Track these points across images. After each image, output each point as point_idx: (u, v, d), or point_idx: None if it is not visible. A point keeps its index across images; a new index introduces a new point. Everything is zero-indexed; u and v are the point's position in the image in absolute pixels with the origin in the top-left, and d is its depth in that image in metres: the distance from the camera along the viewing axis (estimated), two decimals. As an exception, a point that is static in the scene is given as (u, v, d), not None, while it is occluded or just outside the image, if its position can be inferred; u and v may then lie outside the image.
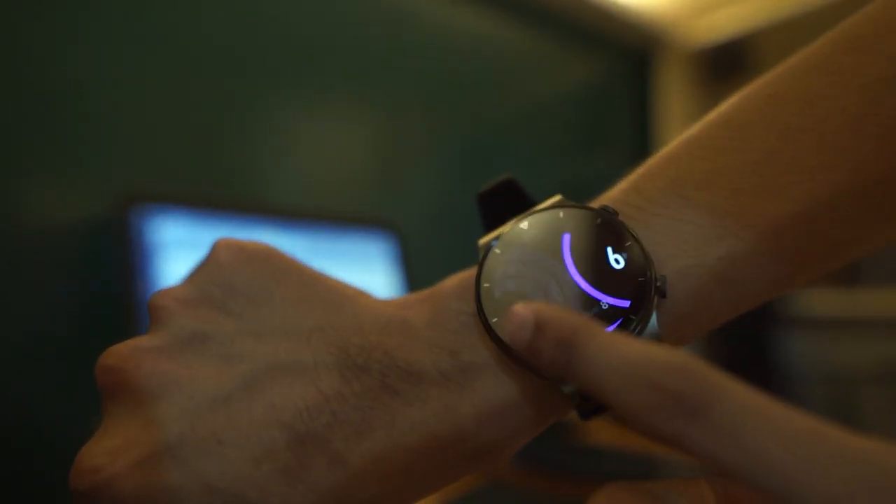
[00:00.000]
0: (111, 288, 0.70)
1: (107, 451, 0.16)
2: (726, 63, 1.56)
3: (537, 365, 0.16)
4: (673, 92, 1.55)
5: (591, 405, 0.18)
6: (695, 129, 0.20)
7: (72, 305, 0.70)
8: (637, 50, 1.56)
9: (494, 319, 0.18)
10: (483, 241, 0.21)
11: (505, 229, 0.20)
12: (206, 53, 0.83)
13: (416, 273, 0.89)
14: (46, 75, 0.69)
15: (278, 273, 0.19)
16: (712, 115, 0.20)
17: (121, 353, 0.18)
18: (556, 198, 0.21)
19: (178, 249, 0.63)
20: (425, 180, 1.09)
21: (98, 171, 0.73)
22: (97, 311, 0.71)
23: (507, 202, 0.21)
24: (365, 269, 0.81)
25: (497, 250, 0.19)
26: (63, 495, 0.74)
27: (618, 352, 0.13)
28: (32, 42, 0.68)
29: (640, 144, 1.58)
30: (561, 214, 0.19)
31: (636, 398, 0.13)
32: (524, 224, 0.20)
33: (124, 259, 0.60)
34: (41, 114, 0.69)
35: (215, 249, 0.20)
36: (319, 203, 0.94)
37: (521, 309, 0.15)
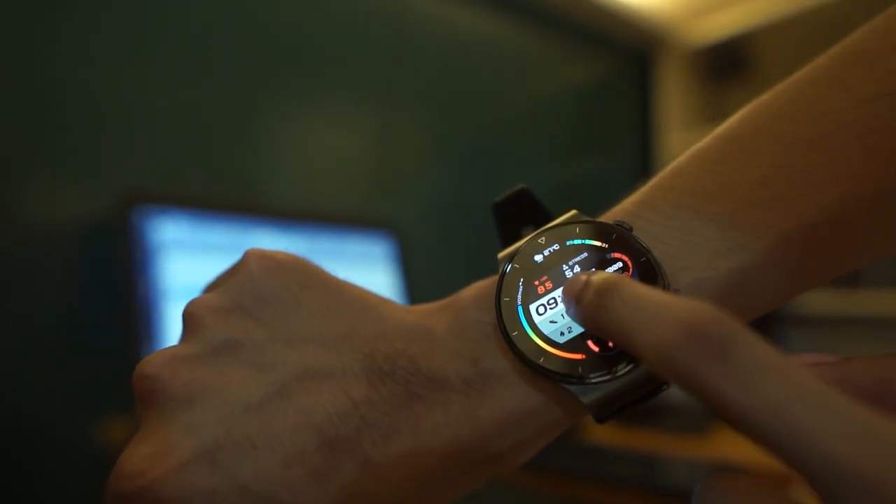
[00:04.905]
0: (111, 288, 0.70)
1: (148, 456, 0.17)
2: (726, 63, 1.56)
3: (577, 314, 0.17)
4: (673, 92, 1.55)
5: (607, 410, 0.18)
6: (704, 142, 0.21)
7: (72, 305, 0.70)
8: (637, 50, 1.56)
9: (515, 333, 0.18)
10: (502, 255, 0.21)
11: (522, 244, 0.20)
12: (207, 55, 0.83)
13: (415, 273, 0.89)
14: (47, 76, 0.69)
15: (306, 282, 0.20)
16: (721, 128, 0.21)
17: (157, 362, 0.18)
18: (572, 212, 0.21)
19: (178, 249, 0.63)
20: (425, 181, 1.09)
21: (98, 171, 0.73)
22: (97, 311, 0.71)
23: (521, 212, 0.22)
24: (364, 270, 0.81)
25: (516, 265, 0.20)
26: (62, 492, 0.74)
27: (648, 294, 0.14)
28: (33, 43, 0.68)
29: (641, 144, 1.58)
30: (577, 230, 0.20)
31: (662, 333, 0.13)
32: (542, 239, 0.20)
33: (124, 259, 0.60)
34: (41, 114, 0.69)
35: (246, 259, 0.20)
36: (319, 204, 0.94)
37: (579, 274, 0.18)
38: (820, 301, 1.41)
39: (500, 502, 0.61)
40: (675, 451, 0.73)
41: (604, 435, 0.82)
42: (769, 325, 1.32)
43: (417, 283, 0.87)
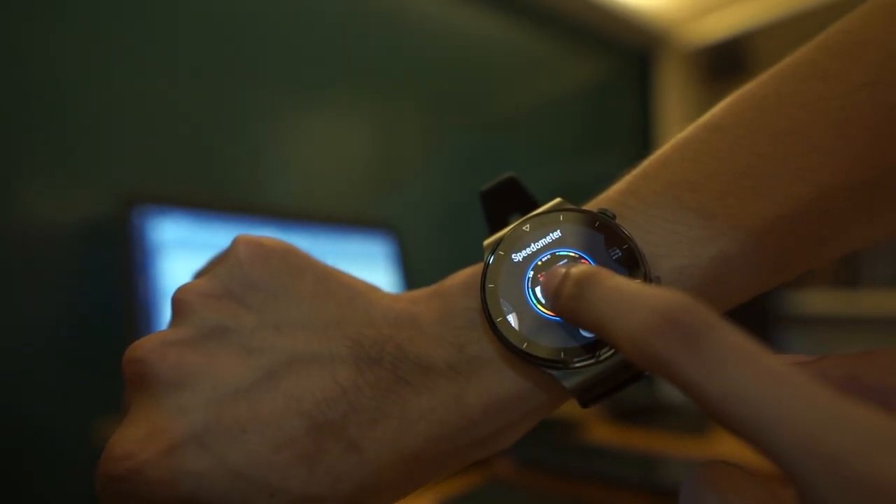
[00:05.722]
0: (111, 288, 0.71)
1: (137, 439, 0.17)
2: (726, 63, 1.56)
3: (556, 306, 0.17)
4: (673, 92, 1.55)
5: (590, 394, 0.18)
6: (688, 131, 0.21)
7: (72, 305, 0.70)
8: (637, 50, 1.56)
9: (499, 319, 0.19)
10: (487, 242, 0.21)
11: (507, 231, 0.21)
12: (207, 54, 0.83)
13: (415, 273, 0.89)
14: (47, 76, 0.69)
15: (294, 269, 0.20)
16: (704, 118, 0.21)
17: (147, 346, 0.18)
18: (557, 200, 0.21)
19: (178, 249, 0.63)
20: (425, 181, 1.09)
21: (98, 171, 0.73)
22: (97, 310, 0.71)
23: (509, 200, 0.22)
24: (364, 270, 0.81)
25: (501, 252, 0.20)
26: (62, 492, 0.74)
27: (624, 284, 0.15)
28: (33, 42, 0.69)
29: (641, 144, 1.58)
30: (561, 217, 0.20)
31: (635, 321, 0.13)
32: (526, 227, 0.20)
33: (124, 259, 0.60)
34: (41, 114, 0.69)
35: (235, 245, 0.20)
36: (319, 203, 0.94)
37: (559, 267, 0.18)
38: (820, 301, 1.41)
39: (500, 502, 0.61)
40: (675, 451, 0.73)
41: (604, 435, 0.82)
42: (769, 324, 1.32)
43: (417, 283, 0.87)
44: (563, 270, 0.17)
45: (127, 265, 0.59)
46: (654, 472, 0.66)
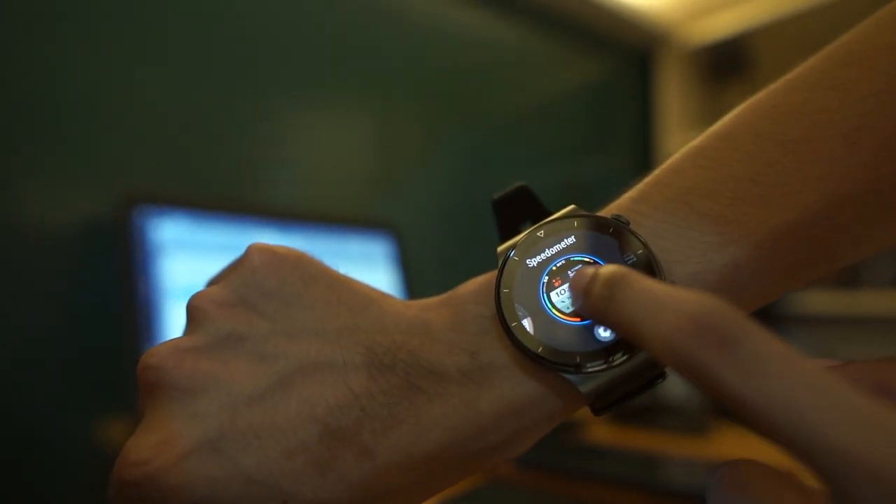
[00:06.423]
0: (111, 288, 0.71)
1: (152, 445, 0.17)
2: (726, 63, 1.56)
3: (584, 306, 0.17)
4: (673, 91, 1.55)
5: (604, 400, 0.18)
6: (699, 139, 0.21)
7: (72, 305, 0.70)
8: (638, 50, 1.56)
9: (514, 324, 0.19)
10: (501, 248, 0.21)
11: (522, 237, 0.21)
12: (207, 55, 0.83)
13: (415, 273, 0.89)
14: (47, 76, 0.69)
15: (308, 276, 0.20)
16: (715, 126, 0.21)
17: (162, 353, 0.19)
18: (571, 207, 0.22)
19: (178, 249, 0.63)
20: (425, 181, 1.09)
21: (98, 171, 0.73)
22: (97, 310, 0.71)
23: (520, 209, 0.22)
24: (365, 270, 0.81)
25: (515, 257, 0.20)
26: (62, 492, 0.74)
27: (656, 286, 0.15)
28: (34, 43, 0.69)
29: (641, 143, 1.58)
30: (575, 223, 0.20)
31: (670, 325, 0.13)
32: (541, 233, 0.21)
33: (124, 259, 0.60)
34: (42, 114, 0.69)
35: (248, 253, 0.21)
36: (319, 204, 0.94)
37: (586, 268, 0.18)
38: (820, 301, 1.41)
39: (501, 502, 0.61)
40: (675, 451, 0.73)
41: (604, 435, 0.82)
42: (769, 324, 1.32)
43: (418, 283, 0.87)
44: (592, 270, 0.17)
45: (127, 265, 0.59)
46: (654, 472, 0.66)
